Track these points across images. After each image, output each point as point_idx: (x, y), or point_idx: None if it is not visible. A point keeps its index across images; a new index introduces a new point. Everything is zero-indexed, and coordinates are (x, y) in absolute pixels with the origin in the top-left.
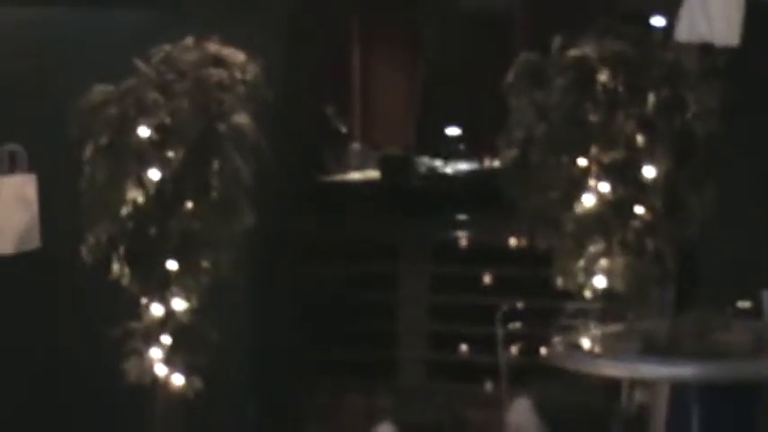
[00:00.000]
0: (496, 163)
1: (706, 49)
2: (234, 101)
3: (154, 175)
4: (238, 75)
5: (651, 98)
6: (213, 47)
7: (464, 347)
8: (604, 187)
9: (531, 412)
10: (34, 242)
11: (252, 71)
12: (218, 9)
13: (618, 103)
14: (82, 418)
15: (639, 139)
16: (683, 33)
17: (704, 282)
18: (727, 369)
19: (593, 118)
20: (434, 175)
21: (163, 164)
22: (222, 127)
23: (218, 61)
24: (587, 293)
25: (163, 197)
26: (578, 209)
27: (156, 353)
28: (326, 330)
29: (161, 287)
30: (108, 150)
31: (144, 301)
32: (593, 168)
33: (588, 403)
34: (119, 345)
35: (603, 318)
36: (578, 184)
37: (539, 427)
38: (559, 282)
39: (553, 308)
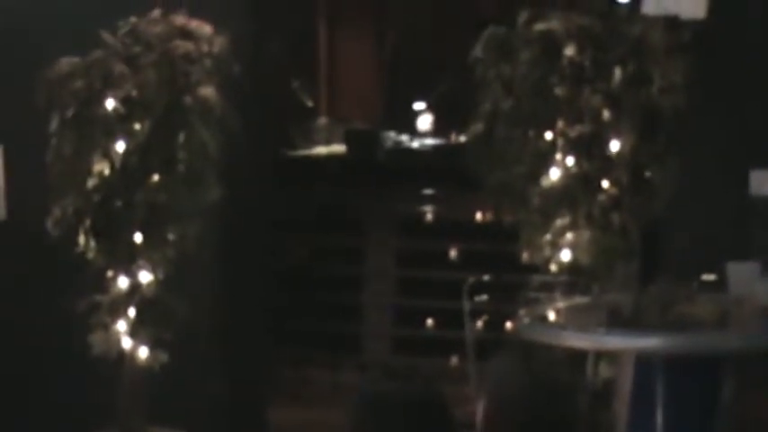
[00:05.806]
0: (463, 138)
1: (672, 24)
2: (200, 74)
3: (120, 147)
4: (205, 48)
5: (617, 73)
6: (180, 19)
7: (430, 322)
8: (570, 161)
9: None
10: None
11: (218, 44)
12: None
13: (584, 78)
14: (47, 391)
15: (605, 113)
16: (650, 7)
17: (669, 255)
18: (691, 341)
19: (559, 92)
20: (401, 149)
21: (129, 136)
22: (188, 100)
23: (185, 34)
24: (553, 267)
25: (129, 170)
26: (544, 183)
27: (121, 326)
28: (293, 304)
29: (127, 260)
30: (74, 122)
31: (110, 274)
32: (560, 142)
33: (554, 377)
34: (85, 318)
35: (569, 291)
36: (544, 158)
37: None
38: (526, 256)
39: (519, 282)
